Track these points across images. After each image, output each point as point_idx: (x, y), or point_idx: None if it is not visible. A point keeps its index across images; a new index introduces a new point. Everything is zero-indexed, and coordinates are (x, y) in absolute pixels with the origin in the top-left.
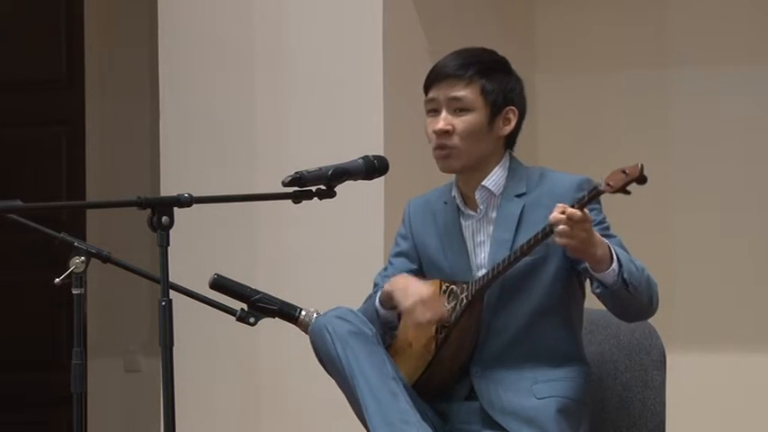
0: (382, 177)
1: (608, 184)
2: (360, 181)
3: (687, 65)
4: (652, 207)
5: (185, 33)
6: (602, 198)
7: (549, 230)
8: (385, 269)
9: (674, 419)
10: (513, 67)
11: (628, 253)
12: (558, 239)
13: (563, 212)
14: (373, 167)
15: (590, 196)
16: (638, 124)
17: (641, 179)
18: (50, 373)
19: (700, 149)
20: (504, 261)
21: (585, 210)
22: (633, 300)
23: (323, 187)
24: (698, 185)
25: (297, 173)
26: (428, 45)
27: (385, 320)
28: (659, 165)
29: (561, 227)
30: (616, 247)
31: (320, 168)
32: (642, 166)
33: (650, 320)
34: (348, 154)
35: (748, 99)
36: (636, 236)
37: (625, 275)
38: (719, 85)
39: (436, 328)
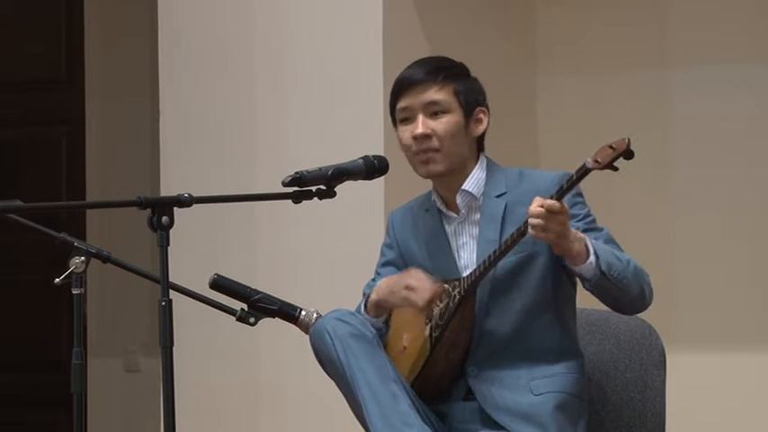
0: (382, 177)
1: (596, 161)
2: (360, 181)
3: (687, 65)
4: (652, 207)
5: (185, 33)
6: (601, 197)
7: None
8: (373, 280)
9: (674, 419)
10: (514, 67)
11: (617, 245)
12: (533, 232)
13: (541, 205)
14: (373, 167)
15: (578, 175)
16: (638, 124)
17: (628, 153)
18: (50, 373)
19: (700, 149)
20: (493, 253)
21: (563, 202)
22: (620, 291)
23: (323, 187)
24: (698, 185)
25: (297, 173)
26: (428, 45)
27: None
28: (659, 164)
29: (537, 220)
30: (594, 241)
31: (320, 168)
32: (629, 139)
33: (650, 320)
34: (348, 154)
35: (749, 99)
36: (636, 236)
37: (603, 267)
38: (719, 84)
39: (431, 327)
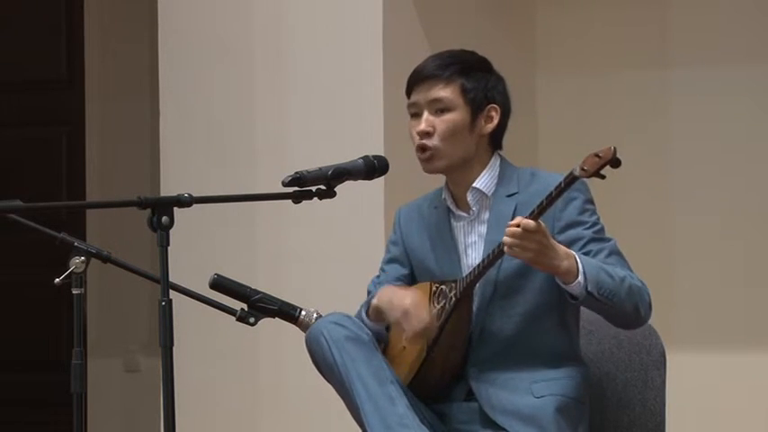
0: (382, 177)
1: (583, 169)
2: (360, 181)
3: (687, 65)
4: (652, 207)
5: (185, 33)
6: (601, 197)
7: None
8: (377, 276)
9: (674, 419)
10: (514, 66)
11: (621, 257)
12: (509, 252)
13: (517, 225)
14: (373, 167)
15: (566, 182)
16: (638, 124)
17: (614, 162)
18: (50, 373)
19: (700, 149)
20: (488, 256)
21: (540, 221)
22: (610, 309)
23: (323, 187)
24: (698, 185)
25: (297, 173)
26: (428, 45)
27: (374, 332)
28: (659, 164)
29: (511, 240)
30: (585, 257)
31: (320, 168)
32: (615, 148)
33: (650, 320)
34: (348, 154)
35: (748, 99)
36: (636, 236)
37: (590, 288)
38: (719, 85)
39: None
